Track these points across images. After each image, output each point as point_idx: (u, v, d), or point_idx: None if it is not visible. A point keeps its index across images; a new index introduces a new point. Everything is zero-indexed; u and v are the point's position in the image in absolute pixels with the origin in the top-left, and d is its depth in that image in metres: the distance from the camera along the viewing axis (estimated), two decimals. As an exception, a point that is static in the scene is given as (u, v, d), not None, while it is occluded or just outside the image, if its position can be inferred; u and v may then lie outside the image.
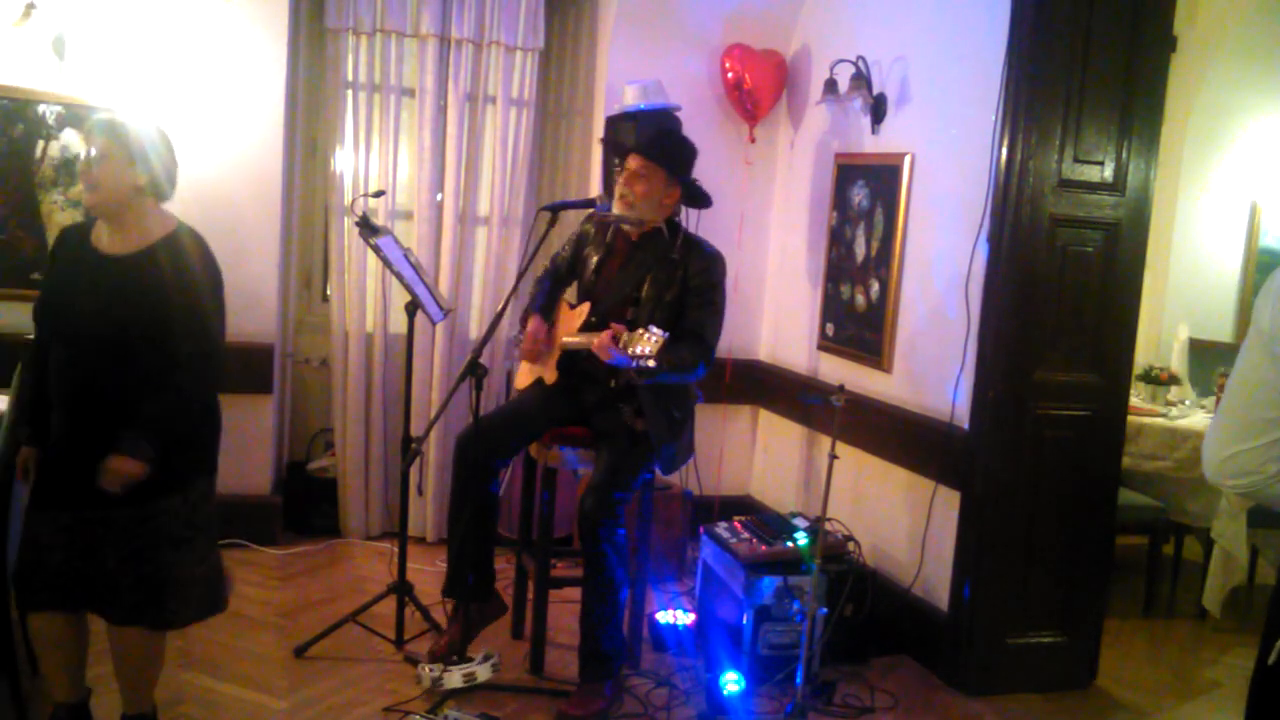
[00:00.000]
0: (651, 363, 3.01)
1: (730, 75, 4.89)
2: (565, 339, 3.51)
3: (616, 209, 3.49)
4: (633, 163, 3.48)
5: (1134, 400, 4.53)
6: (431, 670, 3.40)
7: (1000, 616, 3.82)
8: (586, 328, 3.47)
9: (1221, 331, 5.84)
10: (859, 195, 4.50)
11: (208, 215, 4.46)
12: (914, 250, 4.19)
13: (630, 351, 3.05)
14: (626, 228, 3.53)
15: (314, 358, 5.04)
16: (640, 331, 3.05)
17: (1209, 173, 5.89)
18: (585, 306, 3.55)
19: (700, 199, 3.59)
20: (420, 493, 4.79)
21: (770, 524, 4.00)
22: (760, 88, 4.89)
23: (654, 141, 3.56)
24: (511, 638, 3.94)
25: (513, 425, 3.60)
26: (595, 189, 4.78)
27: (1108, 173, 3.71)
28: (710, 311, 3.48)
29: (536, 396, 3.65)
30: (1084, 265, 3.73)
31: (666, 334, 3.04)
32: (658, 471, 3.65)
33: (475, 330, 4.92)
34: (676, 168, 3.50)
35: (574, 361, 3.53)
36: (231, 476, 4.59)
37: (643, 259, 3.51)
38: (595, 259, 3.63)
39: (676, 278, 3.46)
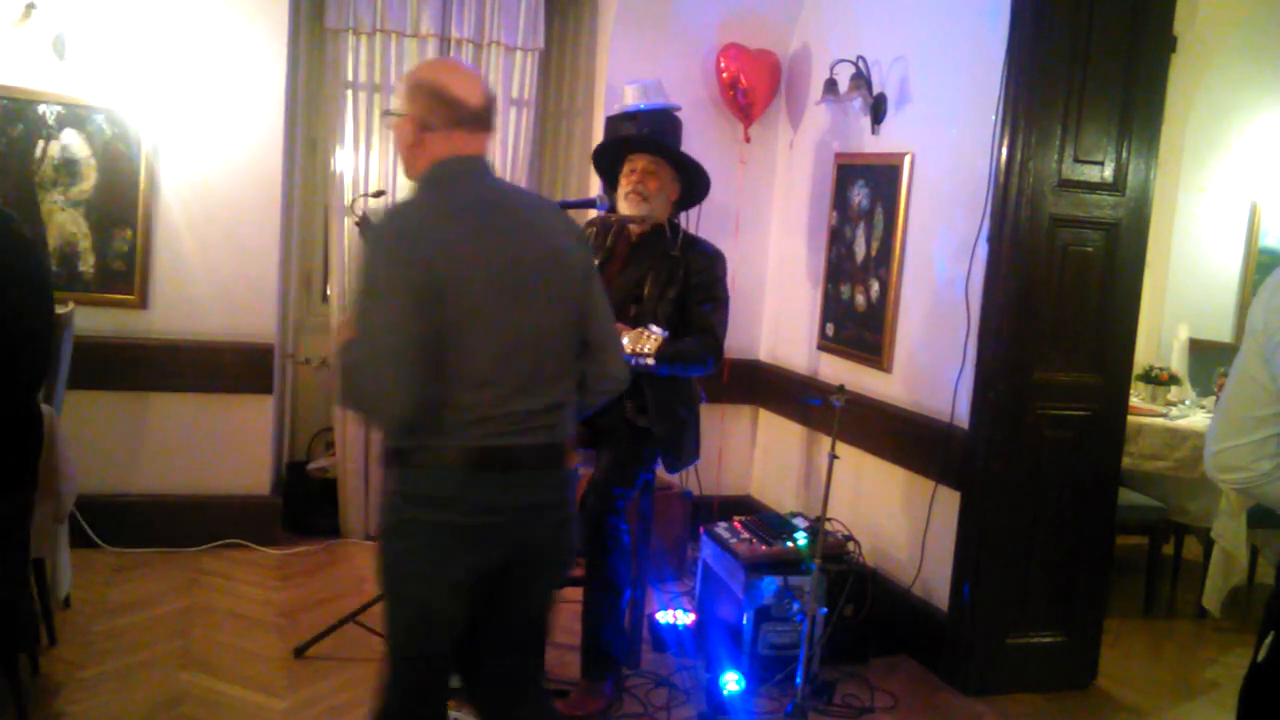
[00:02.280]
0: (650, 360, 3.04)
1: (725, 75, 4.89)
2: None
3: (629, 209, 3.50)
4: (641, 161, 3.50)
5: (1134, 400, 4.53)
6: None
7: (1000, 616, 3.82)
8: None
9: (1221, 331, 5.84)
10: (859, 195, 4.50)
11: (208, 215, 4.49)
12: (914, 250, 4.19)
13: (630, 349, 3.07)
14: (633, 227, 3.54)
15: (314, 358, 5.04)
16: (640, 330, 3.07)
17: (1209, 173, 5.89)
18: None
19: (698, 187, 3.60)
20: (420, 493, 4.79)
21: (770, 524, 4.00)
22: (755, 87, 4.89)
23: (654, 136, 3.60)
24: (511, 638, 3.94)
25: None
26: (595, 189, 4.78)
27: (1108, 173, 3.71)
28: (716, 306, 3.51)
29: None
30: (1084, 265, 3.73)
31: (666, 332, 3.06)
32: (659, 471, 3.66)
33: (475, 330, 4.91)
34: (678, 159, 3.54)
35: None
36: (231, 476, 4.62)
37: (643, 257, 3.52)
38: (597, 261, 3.63)
39: (678, 275, 3.48)
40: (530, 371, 2.14)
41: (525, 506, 2.17)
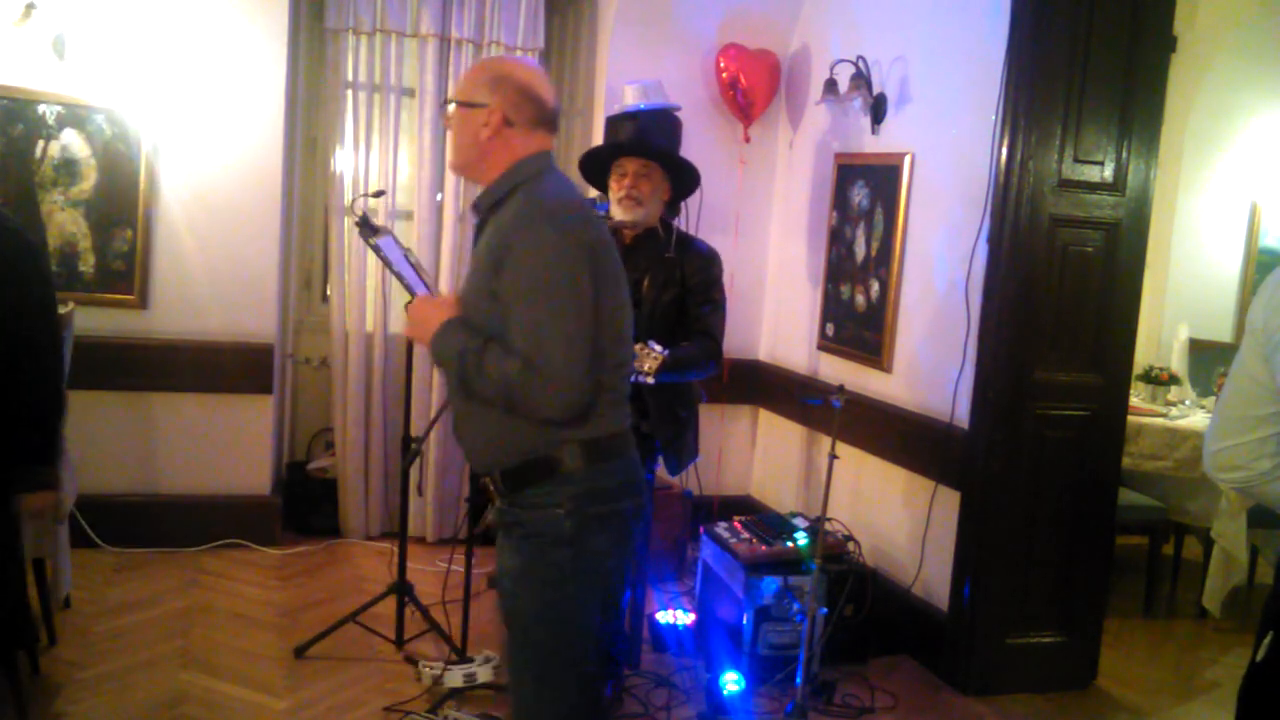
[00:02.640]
0: (650, 380, 3.05)
1: (725, 75, 4.89)
2: None
3: (623, 214, 3.48)
4: (631, 165, 3.48)
5: (1134, 400, 4.53)
6: (432, 669, 3.40)
7: (1000, 616, 3.82)
8: None
9: (1221, 331, 5.84)
10: (859, 195, 4.50)
11: (208, 215, 4.49)
12: (914, 250, 4.19)
13: (635, 367, 3.08)
14: (627, 230, 3.54)
15: (314, 358, 5.04)
16: (640, 347, 3.07)
17: (1209, 173, 5.90)
18: None
19: (689, 183, 3.58)
20: (420, 493, 4.79)
21: (770, 524, 4.00)
22: (755, 87, 4.89)
23: (642, 139, 3.57)
24: (511, 638, 3.94)
25: None
26: (594, 190, 4.78)
27: (1108, 173, 3.71)
28: (714, 309, 3.51)
29: None
30: (1084, 265, 3.73)
31: (666, 351, 3.06)
32: (659, 471, 3.66)
33: (475, 330, 4.91)
34: (669, 161, 3.51)
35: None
36: (231, 476, 4.62)
37: (638, 260, 3.51)
38: None
39: (675, 277, 3.47)
40: (630, 352, 2.27)
41: (645, 483, 2.29)
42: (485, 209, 2.23)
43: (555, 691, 2.17)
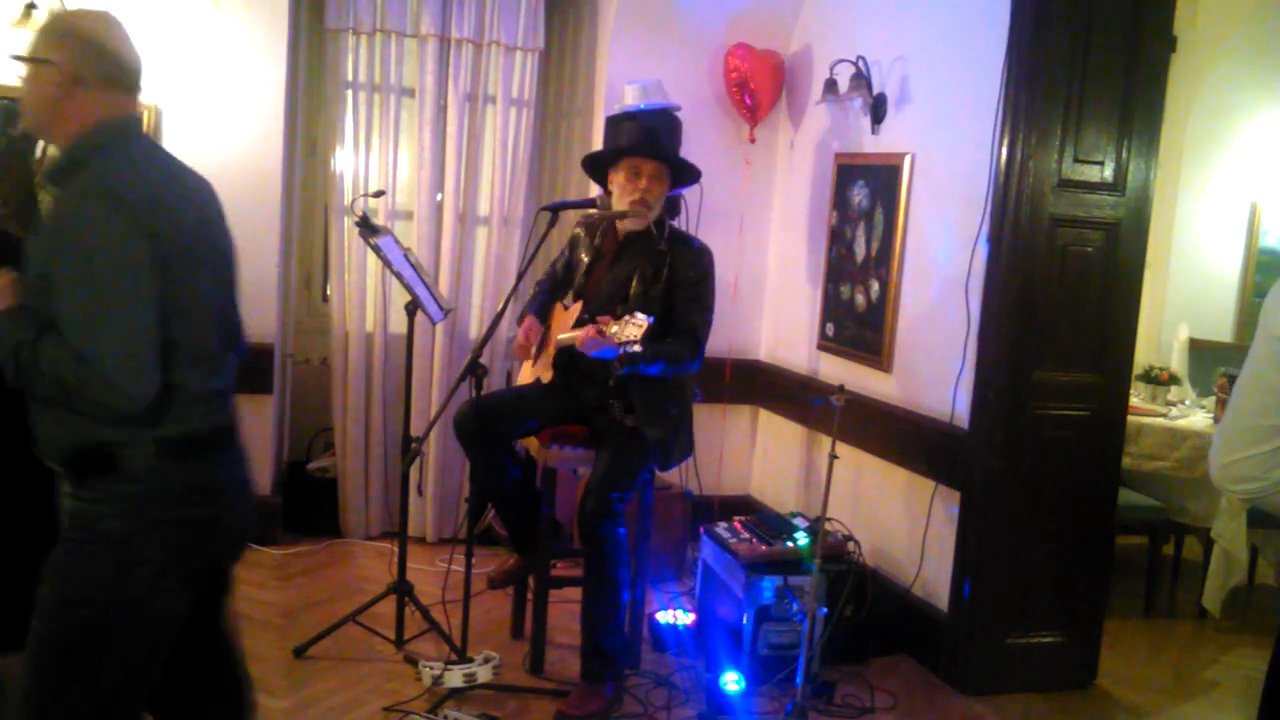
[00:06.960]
0: (638, 347, 3.03)
1: (734, 75, 4.89)
2: (560, 335, 3.53)
3: (635, 221, 3.51)
4: (648, 167, 3.49)
5: (1134, 400, 4.53)
6: (432, 669, 3.40)
7: (1000, 616, 3.82)
8: (579, 324, 3.48)
9: (1221, 331, 5.84)
10: (859, 195, 4.50)
11: (208, 215, 4.48)
12: (914, 250, 4.19)
13: (617, 340, 3.06)
14: (620, 224, 3.55)
15: (314, 358, 5.04)
16: (625, 318, 3.06)
17: (1209, 173, 5.89)
18: (578, 305, 3.57)
19: (688, 174, 3.62)
20: (420, 493, 4.79)
21: (770, 524, 4.00)
22: (761, 88, 4.89)
23: (655, 142, 3.60)
24: (511, 638, 3.94)
25: (511, 407, 3.62)
26: (595, 189, 4.78)
27: (1108, 173, 3.71)
28: (699, 306, 3.49)
29: (536, 390, 3.66)
30: (1084, 265, 3.73)
31: (651, 319, 3.05)
32: (657, 470, 3.66)
33: (475, 330, 4.92)
34: (679, 164, 3.55)
35: (572, 361, 3.53)
36: (231, 476, 4.60)
37: (630, 256, 3.53)
38: (586, 261, 3.65)
39: (664, 271, 3.48)
40: (212, 343, 2.10)
41: (234, 489, 2.13)
42: (58, 177, 2.00)
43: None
